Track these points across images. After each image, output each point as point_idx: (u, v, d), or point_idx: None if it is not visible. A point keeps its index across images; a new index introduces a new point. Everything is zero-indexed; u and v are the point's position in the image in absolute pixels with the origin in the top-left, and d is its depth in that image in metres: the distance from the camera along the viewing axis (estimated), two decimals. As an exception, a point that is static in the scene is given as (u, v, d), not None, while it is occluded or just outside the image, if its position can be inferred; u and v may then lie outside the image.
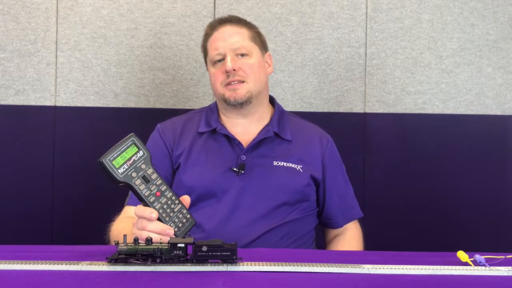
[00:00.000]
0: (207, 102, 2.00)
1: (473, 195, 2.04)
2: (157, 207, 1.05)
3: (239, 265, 0.93)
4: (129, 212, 1.40)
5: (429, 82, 2.05)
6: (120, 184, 1.02)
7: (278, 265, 0.93)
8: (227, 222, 1.40)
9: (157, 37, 2.01)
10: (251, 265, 0.93)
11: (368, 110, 2.04)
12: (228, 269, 0.92)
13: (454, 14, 2.06)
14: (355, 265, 0.95)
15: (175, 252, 0.91)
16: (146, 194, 1.04)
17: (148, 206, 1.05)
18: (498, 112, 2.06)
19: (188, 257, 0.93)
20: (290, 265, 0.93)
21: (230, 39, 1.48)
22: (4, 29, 1.98)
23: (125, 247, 0.92)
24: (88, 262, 0.93)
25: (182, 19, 2.02)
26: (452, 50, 2.05)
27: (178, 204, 1.08)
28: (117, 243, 0.92)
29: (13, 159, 1.96)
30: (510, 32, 2.07)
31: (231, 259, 0.92)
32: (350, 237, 1.56)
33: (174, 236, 1.07)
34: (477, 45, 2.06)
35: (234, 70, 1.45)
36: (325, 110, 2.04)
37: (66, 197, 1.98)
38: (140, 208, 1.07)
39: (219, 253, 0.92)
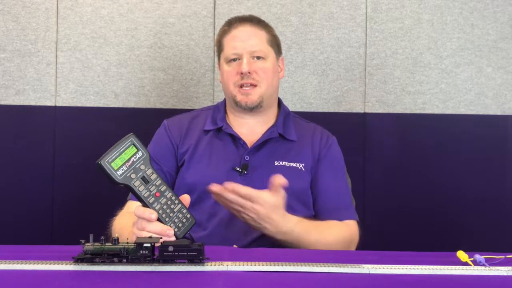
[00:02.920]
0: (207, 102, 2.00)
1: (473, 195, 2.04)
2: (156, 207, 1.05)
3: (241, 265, 0.93)
4: (132, 207, 1.40)
5: (429, 82, 2.05)
6: (120, 186, 1.02)
7: (278, 265, 0.93)
8: (228, 221, 1.40)
9: (157, 37, 2.01)
10: (251, 265, 0.93)
11: (368, 110, 2.04)
12: (228, 269, 0.92)
13: (454, 14, 2.06)
14: (355, 265, 0.95)
15: (141, 252, 0.91)
16: (146, 195, 1.04)
17: (148, 206, 1.05)
18: (498, 112, 2.06)
19: (155, 257, 0.93)
20: (290, 265, 0.93)
21: (249, 40, 1.47)
22: (4, 29, 1.98)
23: (91, 246, 0.92)
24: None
25: (182, 19, 2.02)
26: (452, 50, 2.05)
27: (178, 204, 1.08)
28: (83, 243, 0.92)
29: (13, 159, 1.96)
30: (510, 32, 2.07)
31: (197, 259, 0.92)
32: (343, 226, 1.45)
33: (174, 237, 1.07)
34: (477, 45, 2.06)
35: (249, 72, 1.45)
36: (325, 110, 2.04)
37: (66, 197, 1.98)
38: (140, 209, 1.07)
39: (186, 253, 0.92)
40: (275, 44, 1.54)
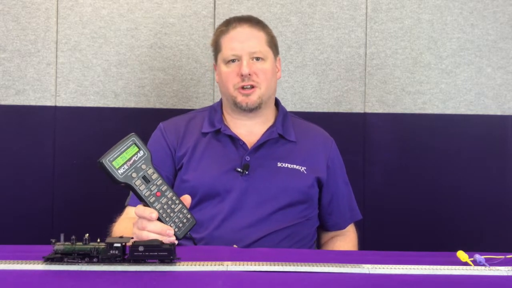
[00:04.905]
0: (207, 102, 2.00)
1: (473, 195, 2.04)
2: (157, 207, 1.05)
3: (241, 265, 0.93)
4: (130, 213, 1.40)
5: (429, 82, 2.05)
6: (121, 185, 1.02)
7: (278, 265, 0.93)
8: (229, 222, 1.40)
9: (157, 37, 2.01)
10: (251, 265, 0.93)
11: (368, 110, 2.04)
12: (228, 269, 0.92)
13: (454, 14, 2.06)
14: (355, 265, 0.95)
15: (111, 251, 0.91)
16: (146, 194, 1.04)
17: (149, 206, 1.05)
18: (498, 112, 2.06)
19: (126, 256, 0.92)
20: (290, 265, 0.93)
21: (248, 41, 1.46)
22: (5, 29, 1.98)
23: (62, 246, 0.92)
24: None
25: (182, 19, 2.02)
26: (452, 50, 2.05)
27: (178, 204, 1.08)
28: (53, 242, 0.92)
29: (13, 159, 1.96)
30: (510, 32, 2.07)
31: (168, 259, 0.92)
32: (348, 239, 1.56)
33: (174, 236, 1.07)
34: (477, 45, 2.06)
35: (249, 74, 1.44)
36: (325, 110, 2.04)
37: (66, 197, 1.98)
38: (140, 208, 1.07)
39: (156, 253, 0.92)
40: (273, 44, 1.53)
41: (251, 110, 1.47)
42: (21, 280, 0.85)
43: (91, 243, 0.92)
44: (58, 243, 0.92)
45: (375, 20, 2.05)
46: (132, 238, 0.95)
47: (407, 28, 2.05)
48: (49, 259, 0.92)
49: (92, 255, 0.91)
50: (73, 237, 0.92)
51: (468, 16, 2.06)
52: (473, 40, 2.06)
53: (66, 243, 0.92)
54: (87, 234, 0.94)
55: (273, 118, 1.54)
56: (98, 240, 0.94)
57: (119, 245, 0.91)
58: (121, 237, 0.96)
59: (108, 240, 0.92)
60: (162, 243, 0.93)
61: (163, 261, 0.92)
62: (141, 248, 0.91)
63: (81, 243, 0.92)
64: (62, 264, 0.91)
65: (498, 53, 2.06)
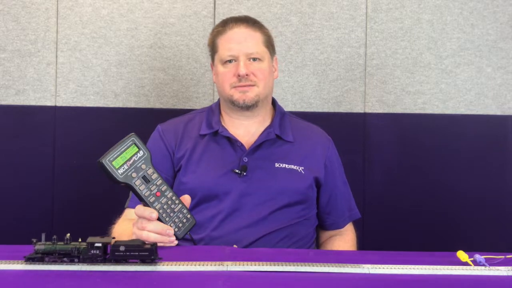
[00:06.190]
0: (207, 102, 2.00)
1: (473, 195, 2.04)
2: (157, 207, 1.06)
3: (241, 265, 0.93)
4: (130, 214, 1.40)
5: (429, 82, 2.05)
6: (121, 185, 1.02)
7: (278, 265, 0.93)
8: (228, 223, 1.40)
9: (157, 37, 2.01)
10: (251, 265, 0.93)
11: (368, 110, 2.04)
12: (228, 269, 0.92)
13: (454, 14, 2.06)
14: (355, 265, 0.95)
15: (92, 251, 0.91)
16: (146, 194, 1.04)
17: (148, 206, 1.05)
18: (498, 112, 2.06)
19: (108, 256, 0.92)
20: (290, 265, 0.93)
21: (245, 42, 1.46)
22: (5, 29, 1.98)
23: (43, 246, 0.91)
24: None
25: (182, 19, 2.02)
26: (452, 50, 2.05)
27: (178, 204, 1.08)
28: (34, 242, 0.92)
29: (13, 159, 1.96)
30: (510, 32, 2.07)
31: (149, 259, 0.91)
32: (347, 238, 1.56)
33: (174, 236, 1.07)
34: (477, 45, 2.06)
35: (246, 75, 1.44)
36: (325, 110, 2.04)
37: (66, 197, 1.98)
38: (140, 208, 1.07)
39: (137, 253, 0.91)
40: (270, 44, 1.53)
41: (248, 107, 1.47)
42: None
43: (72, 243, 0.92)
44: (39, 243, 0.91)
45: (375, 20, 2.05)
46: (114, 238, 0.95)
47: (407, 28, 2.05)
48: (30, 259, 0.91)
49: (73, 255, 0.91)
50: (54, 236, 0.92)
51: (468, 16, 2.06)
52: (473, 40, 2.06)
53: (47, 242, 0.92)
54: (68, 234, 0.93)
55: (270, 118, 1.54)
56: (80, 240, 0.93)
57: (100, 245, 0.91)
58: (102, 237, 0.96)
59: (89, 240, 0.92)
60: (143, 243, 0.92)
61: (144, 261, 0.91)
62: (122, 248, 0.91)
63: (62, 243, 0.92)
64: (42, 264, 0.91)
65: (498, 53, 2.06)
